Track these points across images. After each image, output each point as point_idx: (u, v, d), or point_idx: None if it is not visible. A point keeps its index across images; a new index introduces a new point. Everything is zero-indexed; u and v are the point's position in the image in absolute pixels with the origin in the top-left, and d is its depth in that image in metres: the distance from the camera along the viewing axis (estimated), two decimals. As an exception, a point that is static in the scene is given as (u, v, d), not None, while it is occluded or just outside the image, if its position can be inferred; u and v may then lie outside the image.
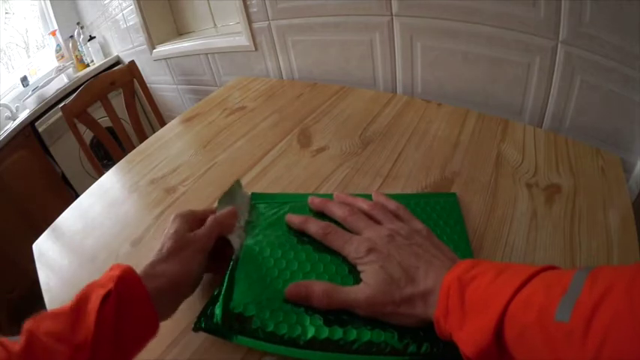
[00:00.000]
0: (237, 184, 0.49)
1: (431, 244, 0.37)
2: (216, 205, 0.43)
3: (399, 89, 0.86)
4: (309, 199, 0.46)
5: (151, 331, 0.30)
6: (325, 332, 0.33)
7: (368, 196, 0.46)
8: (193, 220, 0.39)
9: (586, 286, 0.22)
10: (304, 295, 0.35)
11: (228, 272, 0.38)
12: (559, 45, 0.61)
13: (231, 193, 0.46)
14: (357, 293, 0.34)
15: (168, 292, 0.32)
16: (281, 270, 0.38)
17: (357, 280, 0.36)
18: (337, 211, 0.42)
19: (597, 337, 0.20)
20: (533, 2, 0.59)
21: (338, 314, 0.34)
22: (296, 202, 0.47)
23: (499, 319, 0.25)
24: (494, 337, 0.25)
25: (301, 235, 0.42)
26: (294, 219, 0.43)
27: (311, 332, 0.33)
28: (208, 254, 0.38)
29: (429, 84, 0.81)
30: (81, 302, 0.27)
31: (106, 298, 0.27)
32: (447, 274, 0.31)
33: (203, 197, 0.57)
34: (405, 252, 0.35)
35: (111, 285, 0.27)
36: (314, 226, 0.41)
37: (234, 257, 0.40)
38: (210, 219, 0.40)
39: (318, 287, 0.35)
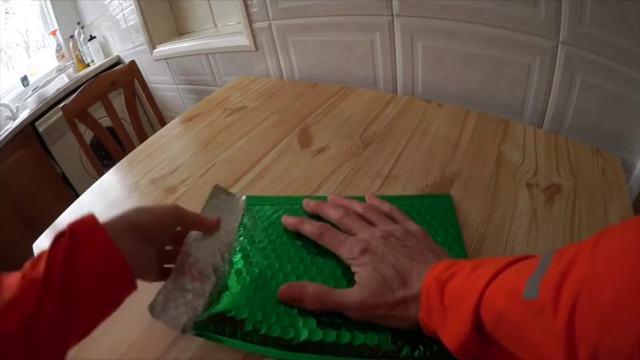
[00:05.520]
0: (216, 191, 0.50)
1: (425, 245, 0.37)
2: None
3: (400, 89, 0.86)
4: (304, 201, 0.46)
5: (113, 266, 0.30)
6: (319, 335, 0.33)
7: (362, 199, 0.46)
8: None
9: (553, 263, 0.22)
10: (297, 297, 0.35)
11: (221, 276, 0.38)
12: (559, 45, 0.61)
13: (211, 203, 0.47)
14: (352, 296, 0.33)
15: (131, 232, 0.34)
16: (274, 272, 0.38)
17: (351, 282, 0.35)
18: (332, 213, 0.42)
19: (568, 306, 0.19)
20: (533, 2, 0.59)
21: (331, 317, 0.34)
22: (291, 204, 0.47)
23: (475, 309, 0.25)
24: (474, 327, 0.25)
25: (295, 238, 0.42)
26: (289, 220, 0.43)
27: (304, 335, 0.33)
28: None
29: (430, 84, 0.81)
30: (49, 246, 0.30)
31: (60, 239, 0.30)
32: (426, 276, 0.31)
33: (203, 197, 0.57)
34: (400, 253, 0.35)
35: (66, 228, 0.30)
36: (309, 227, 0.41)
37: (227, 260, 0.40)
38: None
39: (311, 289, 0.35)
